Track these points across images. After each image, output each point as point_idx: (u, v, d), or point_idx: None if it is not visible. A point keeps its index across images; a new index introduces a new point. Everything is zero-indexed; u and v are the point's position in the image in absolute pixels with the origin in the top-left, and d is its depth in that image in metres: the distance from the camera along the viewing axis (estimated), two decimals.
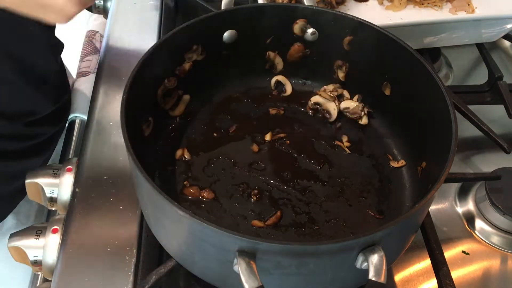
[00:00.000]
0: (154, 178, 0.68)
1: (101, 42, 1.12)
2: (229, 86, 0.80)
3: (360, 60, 0.75)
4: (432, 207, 0.76)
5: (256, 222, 0.64)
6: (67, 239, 0.65)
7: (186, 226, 0.52)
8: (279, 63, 0.79)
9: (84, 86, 1.01)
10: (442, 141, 0.60)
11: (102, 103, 0.82)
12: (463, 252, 0.72)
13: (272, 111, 0.78)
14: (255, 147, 0.73)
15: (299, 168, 0.71)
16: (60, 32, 0.95)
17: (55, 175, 0.74)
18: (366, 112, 0.76)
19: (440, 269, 0.64)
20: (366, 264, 0.49)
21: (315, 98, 0.78)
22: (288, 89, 0.80)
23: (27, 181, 0.74)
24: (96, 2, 1.05)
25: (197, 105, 0.77)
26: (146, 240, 0.67)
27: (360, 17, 0.72)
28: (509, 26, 0.92)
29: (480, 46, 0.96)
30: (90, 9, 1.08)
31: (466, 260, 0.71)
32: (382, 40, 0.71)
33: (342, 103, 0.77)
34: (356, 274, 0.52)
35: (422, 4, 0.93)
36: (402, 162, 0.72)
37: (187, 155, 0.71)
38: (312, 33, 0.75)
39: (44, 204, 0.74)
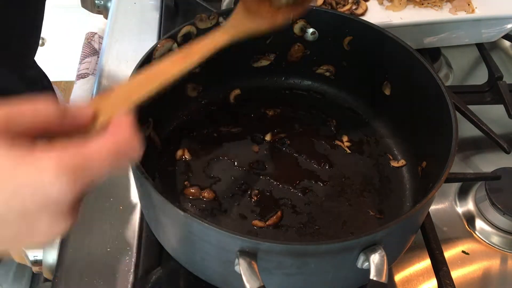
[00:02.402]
0: (154, 178, 0.68)
1: (99, 43, 1.12)
2: (229, 86, 0.80)
3: (360, 60, 0.75)
4: (432, 207, 0.76)
5: (256, 222, 0.64)
6: (67, 239, 0.65)
7: (186, 226, 0.52)
8: None
9: (83, 88, 1.01)
10: (442, 141, 0.60)
11: None
12: (463, 252, 0.72)
13: (269, 113, 0.78)
14: (255, 147, 0.73)
15: (299, 168, 0.71)
16: (60, 34, 0.95)
17: None
18: None
19: (440, 269, 0.64)
20: (367, 264, 0.49)
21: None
22: None
23: None
24: (96, 2, 1.05)
25: (197, 105, 0.77)
26: (146, 240, 0.66)
27: (360, 17, 0.72)
28: (509, 26, 0.92)
29: (480, 46, 0.96)
30: (90, 9, 1.08)
31: (466, 260, 0.71)
32: (382, 40, 0.71)
33: None
34: (357, 274, 0.52)
35: (422, 4, 0.93)
36: (402, 162, 0.72)
37: (187, 155, 0.71)
38: (312, 33, 0.75)
39: None
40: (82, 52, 1.11)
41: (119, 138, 0.40)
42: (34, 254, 0.67)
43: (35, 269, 0.69)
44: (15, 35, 0.78)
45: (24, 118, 0.38)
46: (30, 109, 0.38)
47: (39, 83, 0.89)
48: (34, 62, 0.89)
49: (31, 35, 0.83)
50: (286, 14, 0.58)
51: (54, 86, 1.01)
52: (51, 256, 0.66)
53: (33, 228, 0.37)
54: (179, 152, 0.71)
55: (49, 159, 0.36)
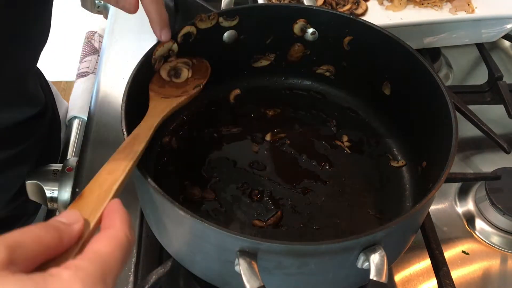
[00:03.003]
0: (154, 178, 0.68)
1: (99, 42, 1.12)
2: (229, 86, 0.80)
3: (360, 60, 0.75)
4: (432, 207, 0.76)
5: (256, 222, 0.64)
6: None
7: (187, 226, 0.52)
8: None
9: (83, 86, 1.01)
10: (442, 141, 0.60)
11: (102, 103, 0.82)
12: (463, 252, 0.72)
13: (269, 113, 0.78)
14: (255, 147, 0.73)
15: (299, 168, 0.71)
16: (60, 34, 0.95)
17: (55, 175, 0.74)
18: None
19: (440, 269, 0.64)
20: (367, 264, 0.49)
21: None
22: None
23: (27, 181, 0.74)
24: (96, 2, 1.05)
25: (197, 105, 0.77)
26: (146, 240, 0.67)
27: (360, 17, 0.72)
28: (509, 26, 0.93)
29: (480, 46, 0.96)
30: (90, 9, 1.08)
31: (466, 260, 0.71)
32: (382, 40, 0.71)
33: None
34: (357, 274, 0.52)
35: (422, 4, 0.93)
36: (402, 162, 0.72)
37: (187, 156, 0.71)
38: (312, 33, 0.75)
39: (44, 204, 0.74)
40: (82, 51, 1.11)
41: (119, 230, 0.40)
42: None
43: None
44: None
45: (29, 248, 0.36)
46: (31, 237, 0.36)
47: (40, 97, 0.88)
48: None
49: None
50: (195, 84, 0.66)
51: (53, 87, 1.00)
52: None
53: None
54: (179, 152, 0.71)
55: (71, 276, 0.34)
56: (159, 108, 0.61)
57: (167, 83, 0.66)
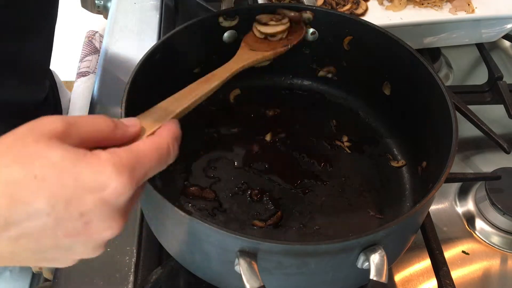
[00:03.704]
0: (154, 178, 0.68)
1: (100, 42, 1.12)
2: (228, 86, 0.79)
3: (360, 60, 0.75)
4: (432, 207, 0.76)
5: (256, 222, 0.64)
6: None
7: (186, 226, 0.52)
8: None
9: (84, 86, 1.01)
10: (442, 141, 0.60)
11: (102, 102, 0.82)
12: (463, 252, 0.72)
13: (269, 113, 0.78)
14: (255, 147, 0.73)
15: (299, 168, 0.71)
16: (60, 33, 0.94)
17: None
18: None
19: (440, 269, 0.64)
20: (367, 264, 0.49)
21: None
22: None
23: None
24: (96, 2, 1.05)
25: (197, 105, 0.77)
26: (146, 240, 0.66)
27: (360, 17, 0.72)
28: (509, 26, 0.92)
29: (480, 46, 0.96)
30: (90, 9, 1.08)
31: (466, 260, 0.71)
32: (382, 40, 0.71)
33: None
34: (357, 274, 0.52)
35: (422, 4, 0.93)
36: (402, 162, 0.72)
37: (187, 155, 0.71)
38: (312, 33, 0.75)
39: None
40: (82, 50, 1.11)
41: (163, 138, 0.44)
42: None
43: (35, 269, 0.69)
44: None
45: (83, 127, 0.40)
46: (88, 120, 0.41)
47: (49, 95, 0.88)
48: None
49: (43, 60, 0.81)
50: (284, 43, 0.70)
51: (56, 75, 0.99)
52: None
53: (87, 230, 0.39)
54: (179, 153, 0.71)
55: (107, 159, 0.39)
56: (243, 57, 0.65)
57: (261, 39, 0.70)
